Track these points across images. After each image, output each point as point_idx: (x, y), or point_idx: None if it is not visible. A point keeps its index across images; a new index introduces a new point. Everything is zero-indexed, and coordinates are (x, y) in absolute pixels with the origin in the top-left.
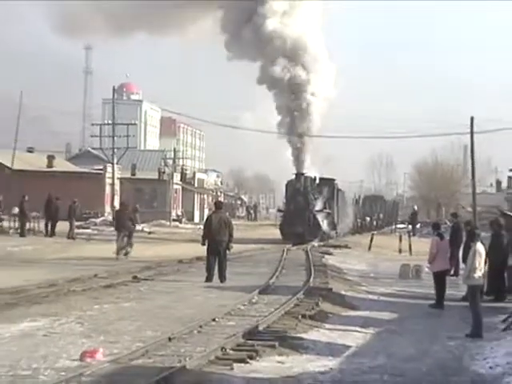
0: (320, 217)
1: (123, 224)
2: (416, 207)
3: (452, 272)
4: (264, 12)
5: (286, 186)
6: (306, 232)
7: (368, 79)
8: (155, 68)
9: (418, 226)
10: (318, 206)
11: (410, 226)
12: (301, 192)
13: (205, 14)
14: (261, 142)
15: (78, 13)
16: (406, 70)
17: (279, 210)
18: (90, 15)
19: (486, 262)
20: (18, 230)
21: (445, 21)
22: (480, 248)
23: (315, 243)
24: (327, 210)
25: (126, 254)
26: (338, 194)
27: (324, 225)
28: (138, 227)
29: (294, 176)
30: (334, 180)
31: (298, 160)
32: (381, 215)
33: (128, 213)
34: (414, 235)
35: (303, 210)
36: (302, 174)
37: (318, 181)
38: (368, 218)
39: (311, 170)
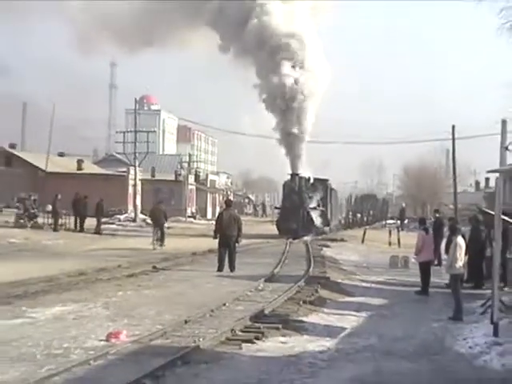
0: (314, 214)
1: (158, 219)
2: (404, 205)
3: (436, 262)
4: (256, 15)
5: (283, 185)
6: (300, 228)
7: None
8: (171, 81)
9: (406, 221)
10: (312, 203)
11: (399, 222)
12: (296, 191)
13: (201, 34)
14: (258, 146)
15: (92, 35)
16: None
17: (276, 208)
18: (102, 36)
19: (466, 254)
20: (52, 226)
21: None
22: (461, 241)
23: (309, 238)
24: (321, 208)
25: (161, 245)
26: (331, 193)
27: (317, 221)
28: None
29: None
30: (327, 180)
31: (293, 161)
32: (371, 212)
33: (162, 209)
34: (402, 230)
35: (298, 207)
36: (297, 175)
37: (312, 181)
38: (359, 215)
39: (306, 171)
